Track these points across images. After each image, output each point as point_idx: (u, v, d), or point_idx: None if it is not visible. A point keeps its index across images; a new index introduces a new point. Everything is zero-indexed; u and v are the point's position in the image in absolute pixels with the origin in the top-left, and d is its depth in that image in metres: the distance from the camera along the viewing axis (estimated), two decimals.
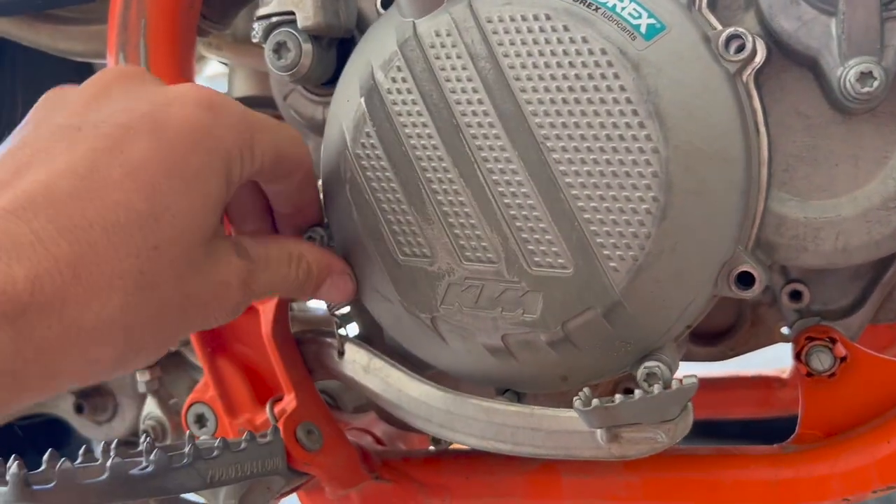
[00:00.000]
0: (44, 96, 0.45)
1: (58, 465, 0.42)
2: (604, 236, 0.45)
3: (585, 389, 0.45)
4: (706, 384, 0.85)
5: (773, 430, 0.59)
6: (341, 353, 0.57)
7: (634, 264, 0.45)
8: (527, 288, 0.48)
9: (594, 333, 0.47)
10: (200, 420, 0.60)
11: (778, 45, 0.46)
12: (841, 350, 0.55)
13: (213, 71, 0.89)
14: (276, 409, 0.57)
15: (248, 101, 0.74)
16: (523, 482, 0.58)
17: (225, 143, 0.43)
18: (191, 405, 0.60)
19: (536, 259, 0.47)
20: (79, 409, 0.81)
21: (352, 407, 0.71)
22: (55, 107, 0.43)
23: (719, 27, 0.46)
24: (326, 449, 0.55)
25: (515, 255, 0.47)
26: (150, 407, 0.64)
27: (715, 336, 0.70)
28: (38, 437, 0.87)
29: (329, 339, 0.58)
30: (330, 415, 0.59)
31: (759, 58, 0.46)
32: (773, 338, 0.69)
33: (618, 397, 0.43)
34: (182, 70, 0.62)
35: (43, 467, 0.43)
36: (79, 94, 0.43)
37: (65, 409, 0.81)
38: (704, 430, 0.68)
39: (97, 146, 0.40)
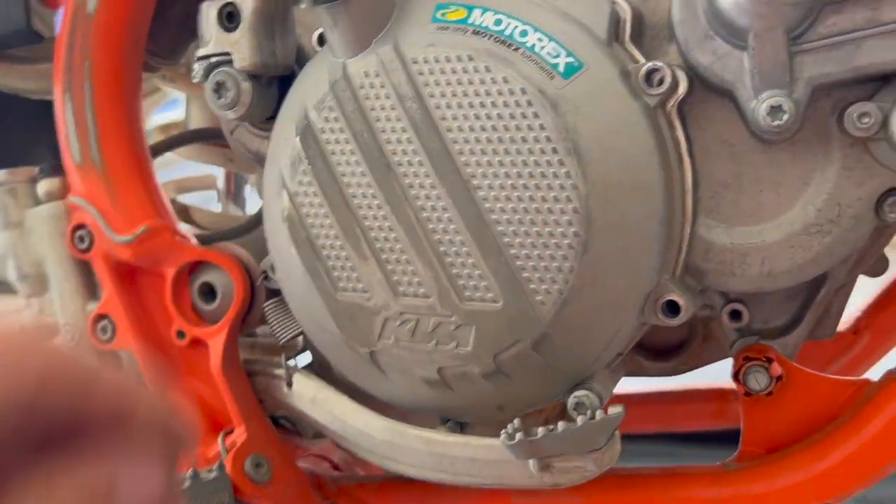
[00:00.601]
0: None
1: None
2: (530, 270, 0.47)
3: (515, 421, 0.46)
4: (661, 397, 0.86)
5: None
6: (290, 385, 0.58)
7: (560, 297, 0.46)
8: (459, 322, 0.49)
9: (525, 364, 0.48)
10: None
11: (697, 77, 0.47)
12: (777, 369, 0.56)
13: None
14: (227, 442, 0.58)
15: (203, 133, 0.75)
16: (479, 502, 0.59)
17: None
18: None
19: (467, 293, 0.48)
20: None
21: (311, 433, 0.72)
22: None
23: (642, 60, 0.47)
24: (276, 480, 0.56)
25: (447, 289, 0.49)
26: None
27: (668, 351, 0.72)
28: None
29: (279, 371, 0.59)
30: (280, 445, 0.60)
31: (682, 89, 0.47)
32: (724, 352, 0.70)
33: (541, 430, 0.44)
34: (129, 108, 0.63)
35: None
36: None
37: None
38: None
39: None
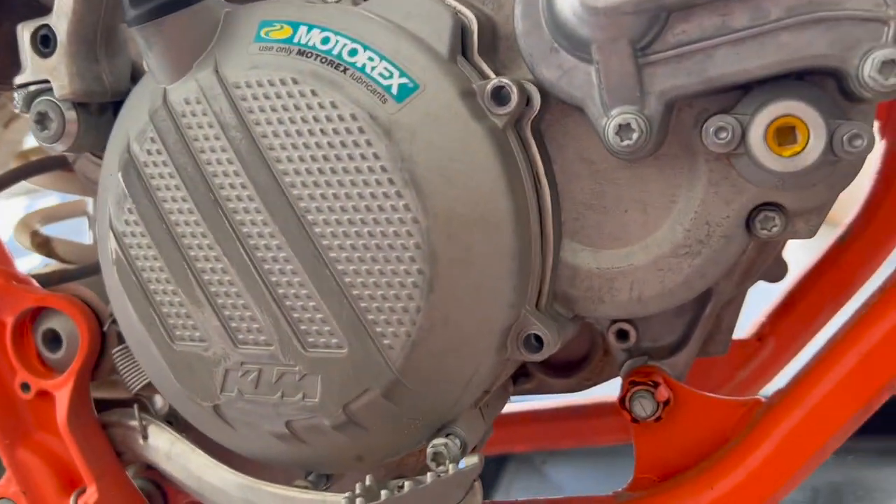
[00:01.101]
0: None
1: None
2: (374, 312, 0.42)
3: (367, 478, 0.42)
4: (572, 412, 0.83)
5: None
6: (145, 437, 0.53)
7: (408, 340, 0.42)
8: (304, 371, 0.44)
9: (378, 414, 0.44)
10: None
11: (546, 93, 0.43)
12: (664, 393, 0.52)
13: None
14: (79, 501, 0.53)
15: (53, 162, 0.69)
16: None
17: None
18: None
19: (310, 340, 0.44)
20: None
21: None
22: None
23: (492, 76, 0.43)
24: None
25: (289, 336, 0.44)
26: None
27: (570, 367, 0.68)
28: None
29: (132, 421, 0.54)
30: (141, 500, 0.55)
31: (535, 106, 0.43)
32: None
33: (384, 493, 0.40)
34: None
35: None
36: None
37: None
38: None
39: None
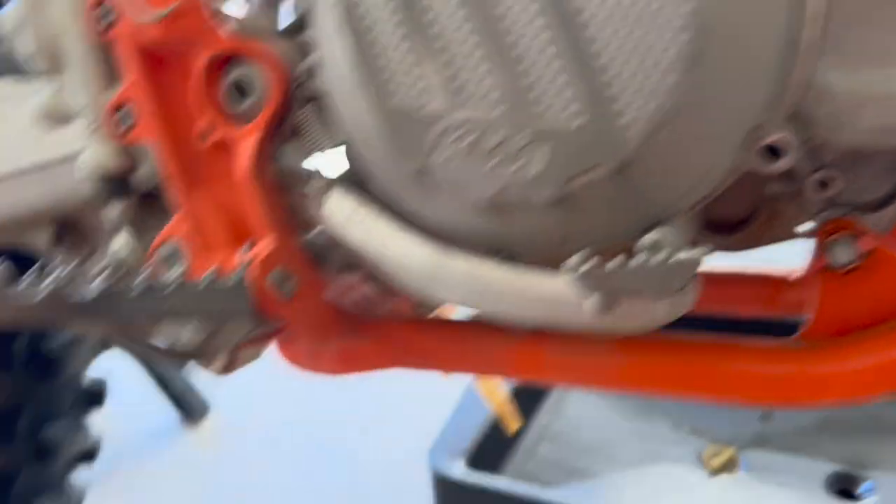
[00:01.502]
0: None
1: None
2: (623, 83, 0.40)
3: (581, 252, 0.41)
4: (711, 278, 0.81)
5: None
6: (323, 201, 0.52)
7: (654, 118, 0.40)
8: (531, 138, 0.42)
9: (599, 193, 0.42)
10: (171, 259, 0.56)
11: None
12: (869, 242, 0.50)
13: None
14: (251, 252, 0.53)
15: None
16: (508, 353, 0.54)
17: None
18: (162, 242, 0.56)
19: (544, 105, 0.42)
20: (58, 241, 0.77)
21: (338, 266, 0.67)
22: None
23: None
24: (300, 298, 0.52)
25: (521, 99, 0.42)
26: (119, 243, 0.60)
27: (729, 227, 0.66)
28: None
29: (316, 182, 0.53)
30: (309, 264, 0.54)
31: None
32: (789, 233, 0.64)
33: (613, 262, 0.38)
34: None
35: None
36: None
37: (41, 244, 0.78)
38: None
39: None
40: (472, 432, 1.11)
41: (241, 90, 0.55)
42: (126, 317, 0.40)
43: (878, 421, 1.13)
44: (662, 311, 0.40)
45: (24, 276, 0.42)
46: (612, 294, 0.39)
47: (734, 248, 0.66)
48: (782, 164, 0.42)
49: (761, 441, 1.19)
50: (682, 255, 0.39)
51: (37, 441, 1.06)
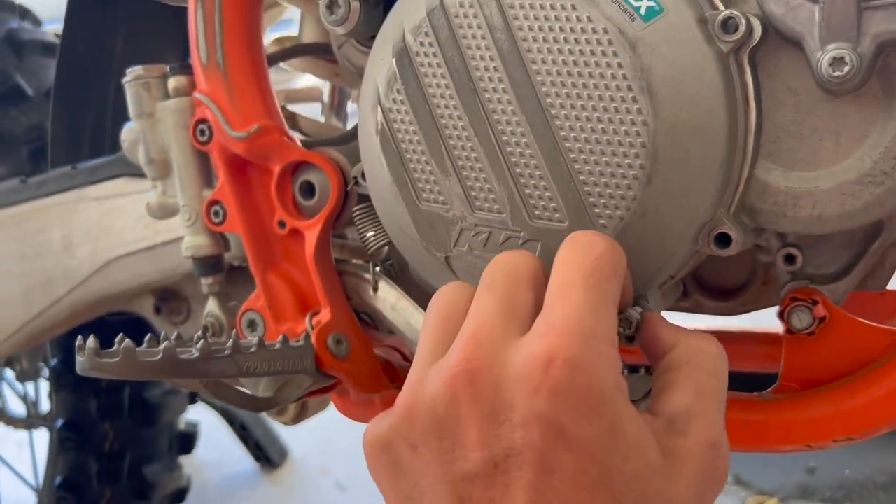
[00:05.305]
0: None
1: (123, 345, 0.52)
2: (595, 196, 0.52)
3: None
4: (720, 335, 0.90)
5: None
6: (375, 289, 0.66)
7: (621, 222, 0.51)
8: (527, 237, 0.54)
9: None
10: (252, 325, 0.70)
11: (770, 26, 0.50)
12: (820, 311, 0.59)
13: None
14: (314, 321, 0.66)
15: (314, 47, 0.81)
16: None
17: None
18: (245, 312, 0.70)
19: (537, 212, 0.54)
20: (157, 311, 0.92)
21: (387, 328, 0.80)
22: None
23: (721, 7, 0.51)
24: (353, 357, 0.64)
25: (519, 207, 0.54)
26: (211, 307, 0.74)
27: (728, 292, 0.75)
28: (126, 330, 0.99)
29: (366, 275, 0.66)
30: (360, 329, 0.67)
31: (755, 37, 0.50)
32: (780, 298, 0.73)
33: None
34: (251, 17, 0.69)
35: (113, 348, 0.54)
36: None
37: (146, 310, 0.93)
38: None
39: None
40: None
41: (308, 190, 0.69)
42: (219, 372, 0.53)
43: None
44: None
45: (144, 340, 0.56)
46: None
47: (732, 311, 0.76)
48: (732, 250, 0.53)
49: (805, 493, 1.24)
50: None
51: (138, 480, 1.21)
